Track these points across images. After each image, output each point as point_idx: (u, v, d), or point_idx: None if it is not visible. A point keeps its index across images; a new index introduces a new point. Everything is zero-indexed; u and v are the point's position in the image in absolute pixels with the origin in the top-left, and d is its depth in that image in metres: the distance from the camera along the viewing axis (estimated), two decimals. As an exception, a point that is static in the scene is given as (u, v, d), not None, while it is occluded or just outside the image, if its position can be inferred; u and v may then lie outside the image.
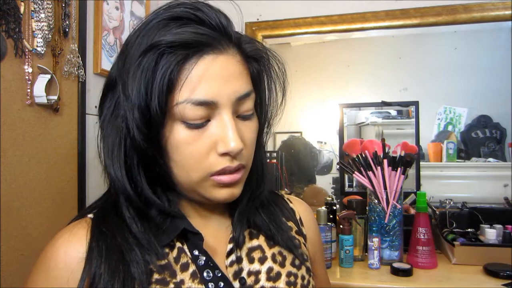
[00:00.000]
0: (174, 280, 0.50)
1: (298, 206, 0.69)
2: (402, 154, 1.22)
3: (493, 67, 1.58)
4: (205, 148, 0.49)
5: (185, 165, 0.50)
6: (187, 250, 0.53)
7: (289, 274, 0.57)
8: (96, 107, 1.19)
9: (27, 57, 0.95)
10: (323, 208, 1.20)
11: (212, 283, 0.51)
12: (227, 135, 0.48)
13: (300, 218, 0.67)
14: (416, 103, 1.53)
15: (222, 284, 0.52)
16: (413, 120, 1.53)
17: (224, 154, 0.49)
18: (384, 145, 1.22)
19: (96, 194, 0.58)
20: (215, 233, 0.57)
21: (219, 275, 0.52)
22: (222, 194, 0.52)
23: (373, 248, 1.13)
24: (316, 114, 1.71)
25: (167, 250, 0.51)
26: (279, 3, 1.56)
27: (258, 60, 0.55)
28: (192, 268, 0.51)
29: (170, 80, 0.46)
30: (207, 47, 0.48)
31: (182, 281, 0.50)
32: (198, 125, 0.48)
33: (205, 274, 0.52)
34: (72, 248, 0.49)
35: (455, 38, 1.62)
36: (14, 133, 0.92)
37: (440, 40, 1.62)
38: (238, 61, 0.51)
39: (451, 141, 1.59)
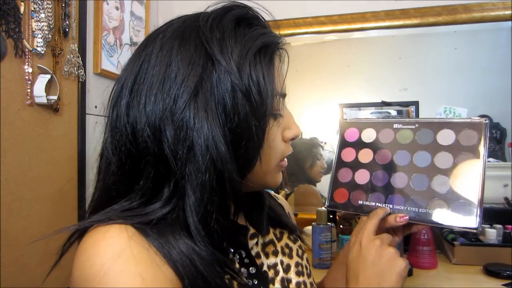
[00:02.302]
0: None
1: (282, 201, 0.73)
2: (402, 154, 1.22)
3: (493, 67, 1.58)
4: (280, 136, 0.54)
5: (269, 154, 0.51)
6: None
7: (297, 265, 0.60)
8: (96, 106, 1.20)
9: (27, 57, 0.95)
10: (323, 208, 1.20)
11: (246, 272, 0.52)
12: (293, 122, 0.56)
13: (288, 213, 0.71)
14: (416, 103, 1.53)
15: (254, 270, 0.53)
16: (413, 120, 1.54)
17: (290, 140, 0.55)
18: (384, 145, 1.22)
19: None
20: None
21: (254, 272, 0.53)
22: (280, 177, 0.56)
23: (373, 248, 1.13)
24: (316, 114, 1.71)
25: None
26: (279, 3, 1.56)
27: None
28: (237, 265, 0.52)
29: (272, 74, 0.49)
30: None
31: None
32: (278, 116, 0.52)
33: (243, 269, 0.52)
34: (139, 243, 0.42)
35: (455, 38, 1.61)
36: (14, 133, 0.92)
37: (440, 40, 1.62)
38: None
39: (451, 141, 1.59)
